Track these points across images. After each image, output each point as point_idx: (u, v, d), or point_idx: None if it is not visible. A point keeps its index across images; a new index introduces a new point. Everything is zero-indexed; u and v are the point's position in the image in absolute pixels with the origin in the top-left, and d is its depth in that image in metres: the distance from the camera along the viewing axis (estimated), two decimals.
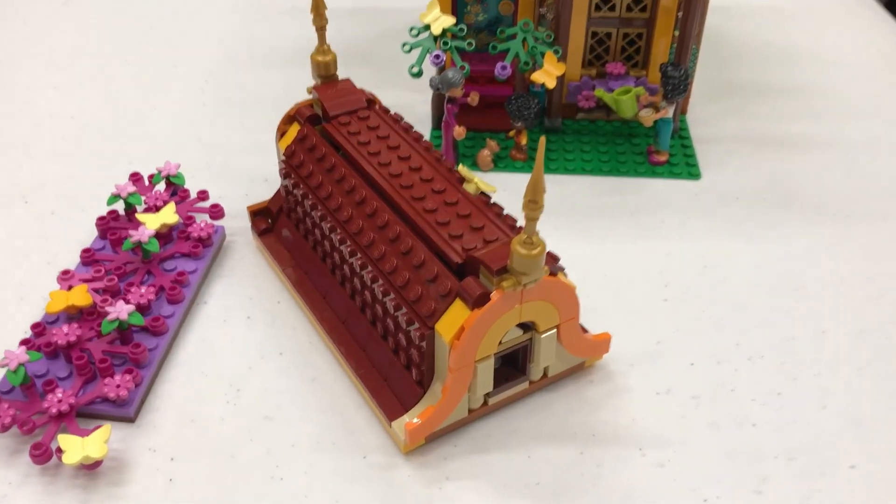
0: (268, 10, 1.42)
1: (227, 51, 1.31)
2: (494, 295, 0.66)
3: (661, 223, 0.97)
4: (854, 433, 0.75)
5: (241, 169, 1.05)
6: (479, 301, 0.67)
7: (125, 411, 0.75)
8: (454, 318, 0.68)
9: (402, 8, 1.41)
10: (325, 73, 0.88)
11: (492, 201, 0.77)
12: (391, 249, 0.74)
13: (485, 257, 0.67)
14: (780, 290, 0.89)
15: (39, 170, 1.06)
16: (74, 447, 0.69)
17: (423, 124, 1.13)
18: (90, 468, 0.70)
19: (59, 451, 0.70)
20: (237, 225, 0.96)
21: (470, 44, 0.99)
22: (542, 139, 0.58)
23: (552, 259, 0.72)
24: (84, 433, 0.71)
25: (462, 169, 0.78)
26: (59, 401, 0.73)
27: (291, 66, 1.25)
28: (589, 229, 0.97)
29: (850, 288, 0.89)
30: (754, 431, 0.75)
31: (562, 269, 0.73)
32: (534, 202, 0.61)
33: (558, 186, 1.03)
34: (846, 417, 0.76)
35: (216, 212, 0.93)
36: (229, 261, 0.92)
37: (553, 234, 0.93)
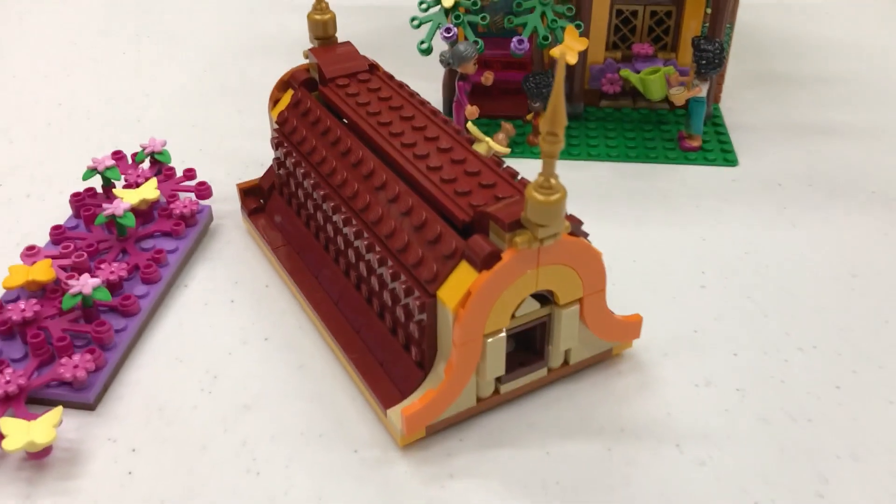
0: (273, 2, 1.36)
1: (228, 41, 1.24)
2: (506, 254, 0.57)
3: (696, 208, 0.88)
4: None
5: (234, 153, 0.97)
6: (487, 261, 0.57)
7: (84, 396, 0.65)
8: (459, 283, 0.58)
9: (412, 5, 1.33)
10: (324, 34, 0.80)
11: (505, 165, 0.68)
12: (389, 210, 0.65)
13: (496, 211, 0.58)
14: (832, 276, 0.78)
15: (18, 153, 0.98)
16: (18, 431, 0.60)
17: None
18: (37, 457, 0.61)
19: (1, 435, 0.60)
20: (227, 208, 0.87)
21: (484, 18, 0.91)
22: (562, 53, 0.49)
23: (575, 220, 0.62)
24: (32, 417, 0.61)
25: (472, 128, 0.69)
26: (7, 382, 0.63)
27: (294, 55, 1.17)
28: (615, 214, 0.87)
29: None
30: (812, 427, 0.64)
31: (585, 235, 0.64)
32: (553, 135, 0.52)
33: (580, 171, 0.94)
34: None
35: (203, 190, 0.85)
36: (216, 244, 0.83)
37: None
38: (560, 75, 0.50)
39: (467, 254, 0.58)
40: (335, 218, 0.69)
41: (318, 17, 0.79)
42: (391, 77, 0.80)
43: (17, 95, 1.11)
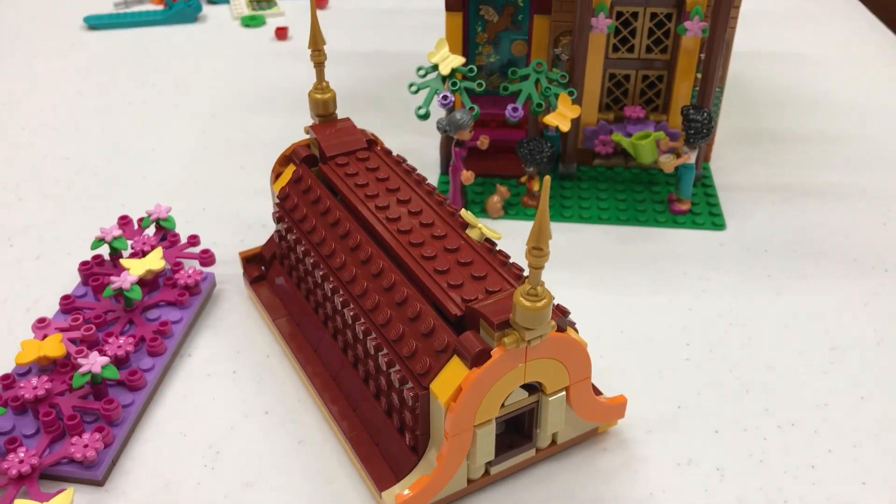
0: (276, 53, 1.39)
1: (232, 93, 1.27)
2: (495, 352, 0.60)
3: (684, 275, 0.91)
4: None
5: (237, 214, 1.00)
6: (478, 358, 0.60)
7: (93, 474, 0.68)
8: (451, 377, 0.61)
9: (413, 52, 1.36)
10: (324, 112, 0.83)
11: (497, 248, 0.71)
12: (385, 299, 0.68)
13: (485, 309, 0.61)
14: (812, 350, 0.81)
15: (28, 213, 1.01)
16: None
17: (432, 169, 1.08)
18: None
19: None
20: (230, 272, 0.90)
21: (480, 84, 0.94)
22: (547, 179, 0.52)
23: (561, 312, 0.66)
24: (45, 498, 0.65)
25: (465, 214, 0.72)
26: (21, 461, 0.67)
27: (297, 108, 1.21)
28: (605, 281, 0.90)
29: (891, 347, 0.81)
30: None
31: (572, 324, 0.67)
32: (538, 249, 0.55)
33: (573, 234, 0.97)
34: (889, 494, 0.68)
35: (206, 258, 0.88)
36: (219, 310, 0.86)
37: (566, 284, 0.87)
38: (545, 197, 0.53)
39: (459, 350, 0.61)
40: (334, 298, 0.73)
41: (318, 95, 0.82)
42: (389, 153, 0.83)
43: (26, 149, 1.14)
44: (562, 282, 0.88)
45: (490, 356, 0.60)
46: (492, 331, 0.60)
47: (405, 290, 0.67)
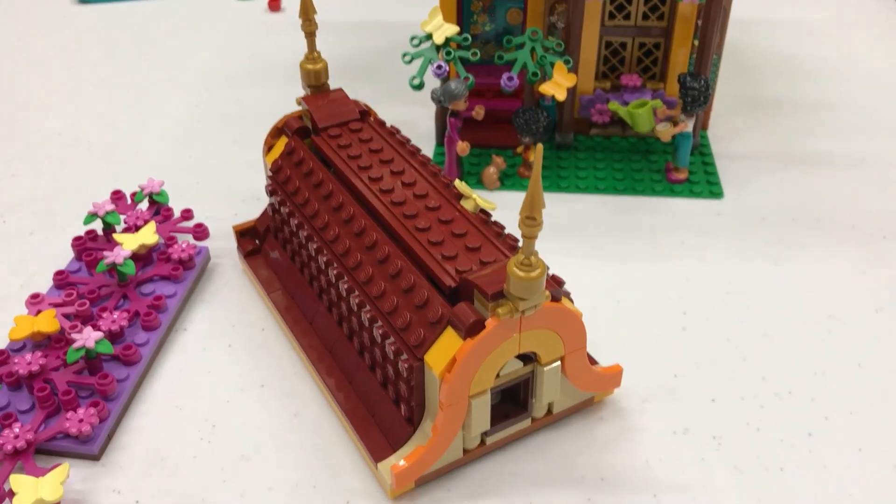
0: (269, 24, 1.38)
1: (225, 65, 1.26)
2: (489, 322, 0.60)
3: (681, 244, 0.90)
4: (895, 479, 0.67)
5: (231, 187, 0.99)
6: (472, 329, 0.60)
7: (88, 448, 0.68)
8: (445, 349, 0.61)
9: (408, 21, 1.35)
10: (316, 83, 0.82)
11: (492, 219, 0.70)
12: (379, 272, 0.67)
13: (479, 280, 0.60)
14: (810, 318, 0.81)
15: (21, 188, 1.00)
16: (27, 489, 0.63)
17: (428, 140, 1.07)
18: None
19: (11, 493, 0.63)
20: (224, 246, 0.90)
21: (475, 53, 0.93)
22: (539, 147, 0.52)
23: (555, 283, 0.65)
24: (40, 473, 0.65)
25: (460, 184, 0.71)
26: (16, 437, 0.66)
27: (291, 80, 1.19)
28: (601, 251, 0.89)
29: (889, 316, 0.81)
30: (783, 476, 0.67)
31: (567, 294, 0.66)
32: (531, 219, 0.54)
33: (569, 204, 0.96)
34: (885, 461, 0.68)
35: (200, 232, 0.87)
36: (213, 284, 0.86)
37: (562, 255, 0.87)
38: (537, 166, 0.52)
39: (453, 321, 0.61)
40: (328, 272, 0.72)
41: (310, 66, 0.81)
42: (382, 124, 0.82)
43: (19, 124, 1.13)
44: (558, 252, 0.88)
45: (484, 327, 0.60)
46: (486, 301, 0.60)
47: (399, 263, 0.66)
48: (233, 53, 1.29)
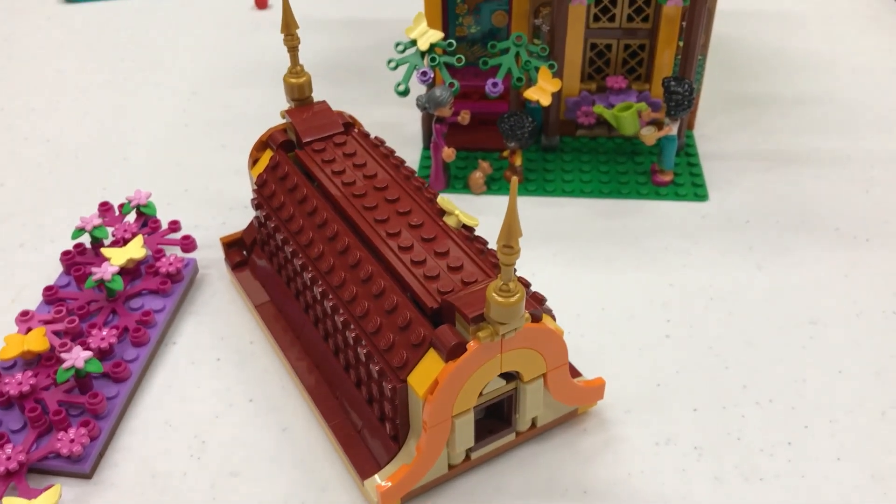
0: (256, 22, 1.37)
1: (212, 67, 1.26)
2: (471, 345, 0.60)
3: (665, 250, 0.91)
4: (874, 489, 0.68)
5: (219, 194, 1.00)
6: (453, 352, 0.61)
7: (80, 467, 0.69)
8: (428, 370, 0.62)
9: (396, 18, 1.35)
10: (300, 96, 0.82)
11: (474, 235, 0.71)
12: (363, 291, 0.68)
13: (460, 303, 0.61)
14: (792, 323, 0.82)
15: (10, 199, 1.01)
16: None
17: (415, 143, 1.08)
18: None
19: None
20: (213, 256, 0.90)
21: (459, 59, 0.93)
22: (515, 181, 0.52)
23: (536, 301, 0.66)
24: (33, 494, 0.66)
25: (442, 200, 0.72)
26: (8, 458, 0.68)
27: (278, 82, 1.19)
28: (587, 256, 0.90)
29: (870, 321, 0.82)
30: (762, 486, 0.68)
31: (549, 312, 0.67)
32: (508, 247, 0.55)
33: (555, 209, 0.97)
34: (864, 470, 0.69)
35: (188, 244, 0.88)
36: (202, 296, 0.87)
37: (548, 260, 0.88)
38: (513, 197, 0.53)
39: (435, 344, 0.62)
40: (313, 288, 0.73)
41: (293, 80, 0.82)
42: (366, 136, 0.83)
43: (6, 132, 1.13)
44: (544, 257, 0.89)
45: (466, 349, 0.60)
46: (467, 324, 0.61)
47: (382, 282, 0.67)
48: (220, 53, 1.29)
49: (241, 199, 0.98)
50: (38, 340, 0.75)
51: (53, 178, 1.04)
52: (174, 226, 0.90)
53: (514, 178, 0.52)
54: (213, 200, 0.99)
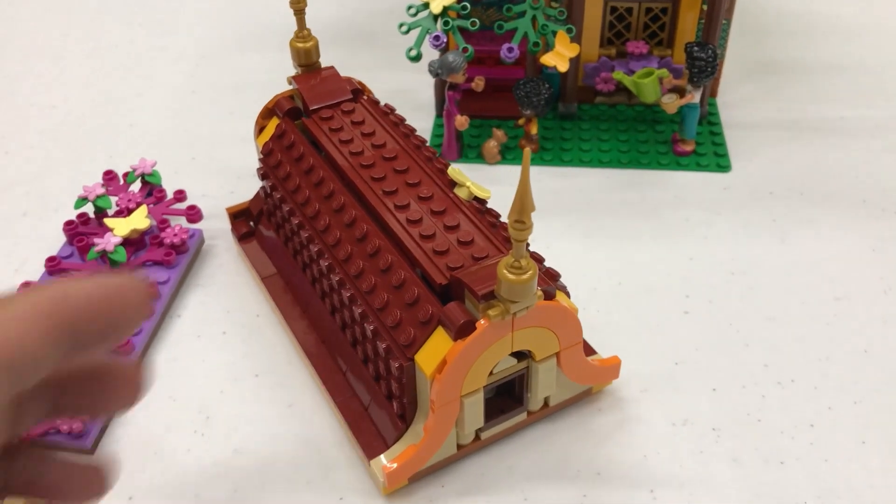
0: None
1: (219, 32, 1.22)
2: (481, 324, 0.58)
3: (685, 222, 0.88)
4: None
5: (227, 163, 0.97)
6: (462, 330, 0.58)
7: (82, 443, 0.68)
8: (436, 349, 0.59)
9: None
10: (307, 62, 0.80)
11: (486, 208, 0.68)
12: (370, 266, 0.66)
13: (469, 279, 0.59)
14: (816, 300, 0.79)
15: (14, 167, 0.99)
16: None
17: (427, 110, 1.05)
18: None
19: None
20: (219, 226, 0.88)
21: (474, 23, 0.90)
22: (527, 152, 0.49)
23: (549, 277, 0.63)
24: None
25: (453, 171, 0.69)
26: None
27: (287, 47, 1.16)
28: (605, 229, 0.87)
29: None
30: (782, 470, 0.66)
31: (563, 289, 0.65)
32: (520, 223, 0.52)
33: (572, 179, 0.93)
34: (890, 454, 0.66)
35: (193, 214, 0.86)
36: (208, 267, 0.85)
37: (564, 233, 0.86)
38: (526, 170, 0.50)
39: (443, 321, 0.59)
40: (320, 262, 0.71)
41: (300, 44, 0.79)
42: (376, 103, 0.80)
43: (11, 97, 1.11)
44: (560, 230, 0.86)
45: (475, 328, 0.58)
46: (476, 302, 0.58)
47: (389, 257, 0.65)
48: (227, 18, 1.26)
49: (249, 167, 0.95)
50: None
51: (58, 147, 1.02)
52: (180, 195, 0.87)
53: (527, 150, 0.50)
54: (221, 169, 0.96)
